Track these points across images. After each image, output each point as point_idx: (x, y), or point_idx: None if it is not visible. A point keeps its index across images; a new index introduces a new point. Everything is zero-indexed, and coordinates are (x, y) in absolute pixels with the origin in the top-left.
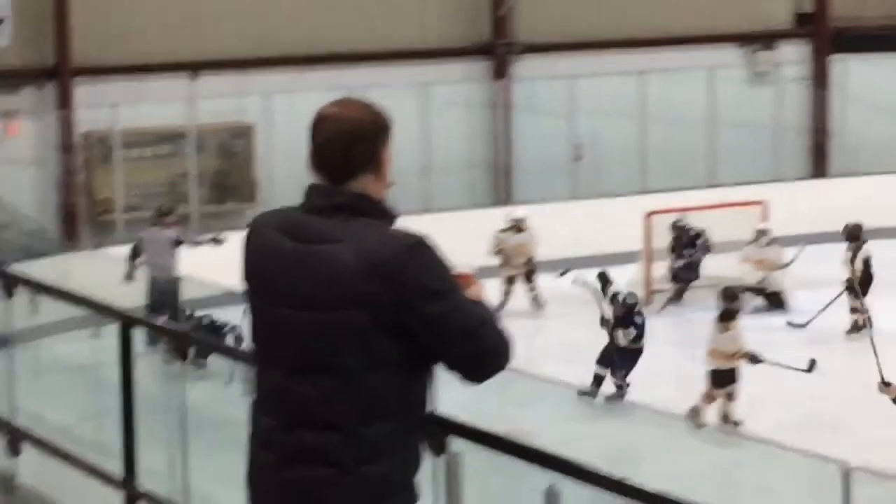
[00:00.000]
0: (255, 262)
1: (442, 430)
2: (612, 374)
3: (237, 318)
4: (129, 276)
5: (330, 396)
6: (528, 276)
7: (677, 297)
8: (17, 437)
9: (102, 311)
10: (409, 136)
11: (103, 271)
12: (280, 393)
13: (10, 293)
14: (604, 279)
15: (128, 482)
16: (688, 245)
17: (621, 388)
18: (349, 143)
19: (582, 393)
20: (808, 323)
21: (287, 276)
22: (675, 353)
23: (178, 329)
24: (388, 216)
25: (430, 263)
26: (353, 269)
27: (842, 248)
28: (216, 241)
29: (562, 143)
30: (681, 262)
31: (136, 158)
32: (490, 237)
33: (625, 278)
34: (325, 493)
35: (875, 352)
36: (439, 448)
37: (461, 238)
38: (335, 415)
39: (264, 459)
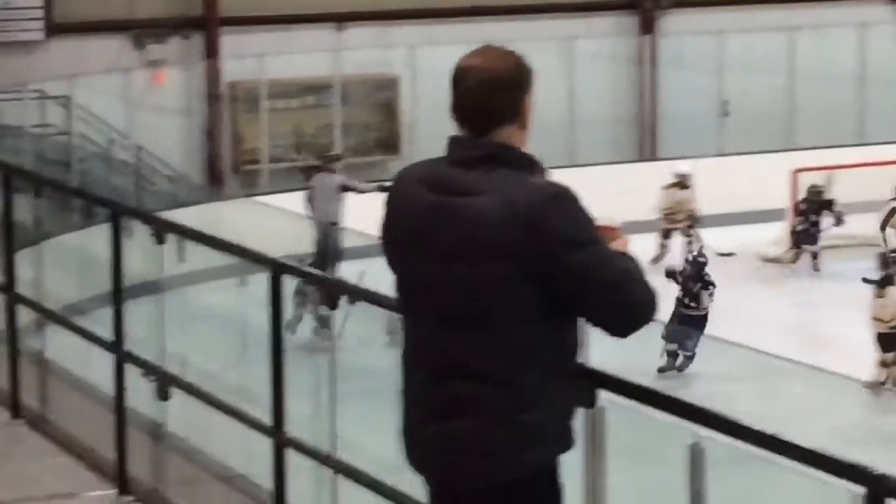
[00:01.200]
0: (397, 216)
1: (592, 383)
2: (681, 346)
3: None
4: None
5: (478, 347)
6: (687, 232)
7: (792, 260)
8: (166, 383)
9: (253, 258)
10: (554, 91)
11: (249, 219)
12: (428, 345)
13: (160, 240)
14: (672, 276)
15: (277, 430)
16: (815, 211)
17: (691, 358)
18: (490, 93)
19: (661, 370)
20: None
21: (430, 229)
22: (800, 313)
23: (329, 277)
24: (533, 166)
25: (572, 213)
26: (496, 221)
27: None
28: (383, 188)
29: (708, 99)
30: (803, 227)
31: (281, 109)
32: (657, 192)
33: (770, 236)
34: (480, 444)
35: None
36: (590, 401)
37: (605, 193)
38: (484, 365)
39: (417, 413)
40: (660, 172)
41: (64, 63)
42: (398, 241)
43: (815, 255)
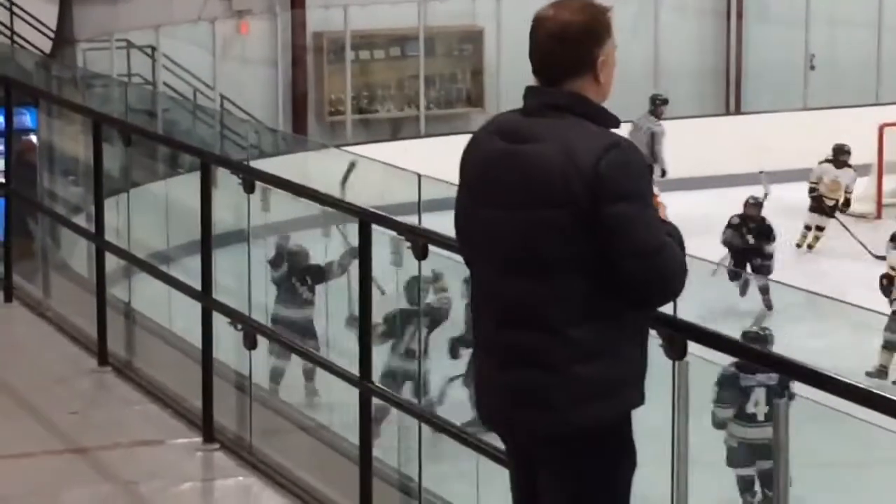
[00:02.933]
0: (469, 165)
1: (681, 335)
2: None
3: None
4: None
5: (537, 296)
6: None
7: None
8: (253, 332)
9: (343, 208)
10: (639, 43)
11: (335, 169)
12: (492, 294)
13: (249, 188)
14: None
15: (363, 379)
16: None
17: None
18: (559, 45)
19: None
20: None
21: (496, 176)
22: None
23: (416, 228)
24: (603, 118)
25: (625, 164)
26: (554, 168)
27: None
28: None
29: (794, 52)
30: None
31: (366, 60)
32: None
33: (856, 192)
34: (537, 396)
35: None
36: (679, 353)
37: (689, 146)
38: (543, 315)
39: (484, 363)
40: (743, 126)
41: (150, 12)
42: (470, 189)
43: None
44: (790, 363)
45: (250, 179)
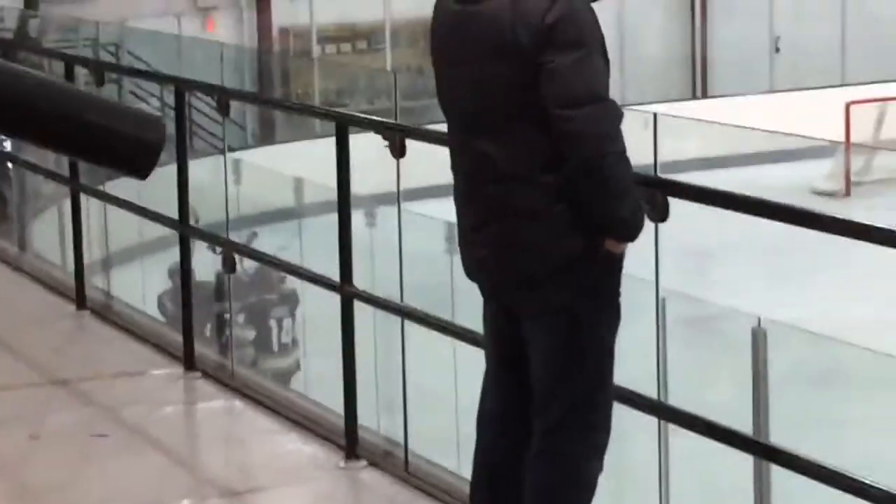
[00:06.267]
0: (433, 31)
1: (661, 192)
2: None
3: None
4: None
5: (501, 149)
6: None
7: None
8: (231, 255)
9: (318, 114)
10: (605, 29)
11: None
12: (461, 152)
13: (226, 111)
14: None
15: (344, 282)
16: None
17: None
18: None
19: None
20: None
21: (452, 37)
22: None
23: (392, 123)
24: None
25: (571, 12)
26: (506, 23)
27: None
28: None
29: (760, 35)
30: None
31: (333, 54)
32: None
33: (823, 170)
34: (524, 238)
35: None
36: (661, 213)
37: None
38: (512, 166)
39: (463, 219)
40: (710, 110)
41: (116, 9)
42: (433, 53)
43: None
44: (774, 206)
45: (225, 99)
